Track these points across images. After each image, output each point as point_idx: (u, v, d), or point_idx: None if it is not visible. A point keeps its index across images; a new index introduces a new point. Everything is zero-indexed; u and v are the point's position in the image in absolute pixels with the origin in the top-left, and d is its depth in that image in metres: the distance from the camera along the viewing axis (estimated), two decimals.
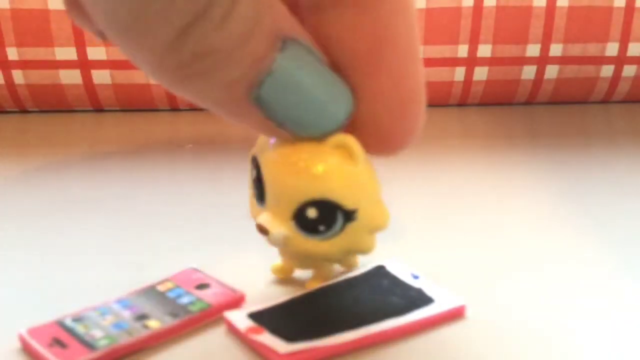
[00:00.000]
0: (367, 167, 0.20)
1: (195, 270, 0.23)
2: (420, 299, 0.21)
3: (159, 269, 0.23)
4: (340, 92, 0.19)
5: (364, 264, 0.23)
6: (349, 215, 0.20)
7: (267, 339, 0.19)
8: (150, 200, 0.32)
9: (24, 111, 0.46)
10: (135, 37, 0.16)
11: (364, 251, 0.21)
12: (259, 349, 0.19)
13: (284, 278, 0.23)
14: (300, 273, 0.24)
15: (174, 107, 0.46)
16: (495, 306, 0.22)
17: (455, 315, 0.21)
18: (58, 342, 0.19)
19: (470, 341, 0.20)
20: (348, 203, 0.20)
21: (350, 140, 0.19)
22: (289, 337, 0.19)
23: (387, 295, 0.21)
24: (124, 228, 0.28)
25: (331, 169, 0.20)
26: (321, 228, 0.20)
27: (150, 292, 0.22)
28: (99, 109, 0.45)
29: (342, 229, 0.20)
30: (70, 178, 0.36)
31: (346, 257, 0.22)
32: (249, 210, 0.22)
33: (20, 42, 0.42)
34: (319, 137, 0.19)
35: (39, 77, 0.43)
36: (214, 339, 0.20)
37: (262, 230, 0.20)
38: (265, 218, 0.20)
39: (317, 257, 0.21)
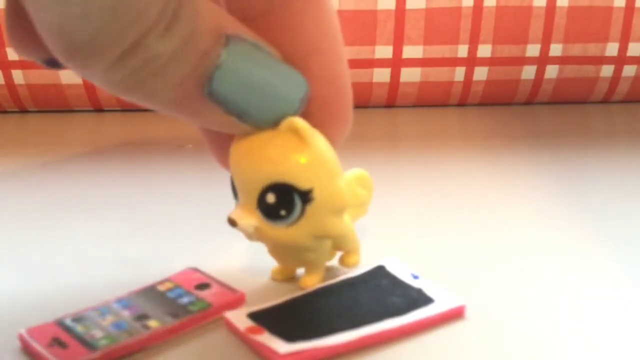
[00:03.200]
0: (320, 147, 0.21)
1: (195, 270, 0.23)
2: (420, 299, 0.21)
3: (159, 269, 0.23)
4: (292, 78, 0.20)
5: (364, 264, 0.23)
6: (306, 196, 0.20)
7: (267, 339, 0.19)
8: (150, 200, 0.32)
9: (24, 111, 0.46)
10: (87, 56, 0.17)
11: (331, 233, 0.21)
12: (258, 349, 0.19)
13: (284, 280, 0.23)
14: (300, 273, 0.24)
15: None
16: (495, 306, 0.22)
17: (455, 315, 0.21)
18: (58, 342, 0.19)
19: (470, 341, 0.20)
20: (302, 184, 0.20)
21: (298, 122, 0.20)
22: (289, 337, 0.19)
23: (386, 295, 0.21)
24: (124, 228, 0.28)
25: (281, 151, 0.20)
26: (282, 213, 0.20)
27: (150, 292, 0.22)
28: (99, 109, 0.45)
29: (302, 211, 0.21)
30: (70, 178, 0.36)
31: (319, 243, 0.22)
32: None
33: None
34: (277, 125, 0.20)
35: (39, 77, 0.43)
36: (214, 339, 0.20)
37: (232, 222, 0.21)
38: (234, 211, 0.21)
39: (289, 245, 0.21)
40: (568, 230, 0.27)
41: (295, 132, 0.20)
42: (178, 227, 0.29)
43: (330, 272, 0.23)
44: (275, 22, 0.20)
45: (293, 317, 0.20)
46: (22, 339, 0.20)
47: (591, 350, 0.20)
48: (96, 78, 0.17)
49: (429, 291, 0.22)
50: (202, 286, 0.22)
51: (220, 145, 0.23)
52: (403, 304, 0.21)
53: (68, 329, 0.20)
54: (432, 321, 0.21)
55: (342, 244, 0.23)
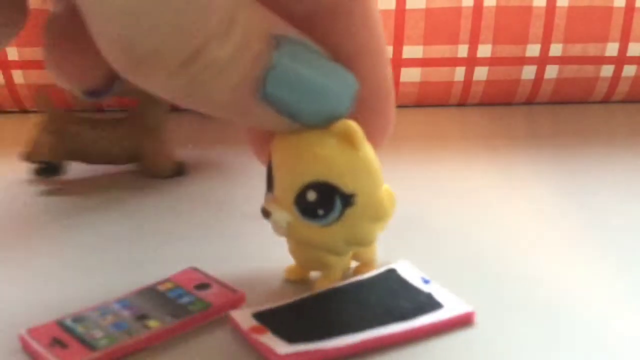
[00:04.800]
0: (368, 154, 0.21)
1: (195, 270, 0.23)
2: (429, 304, 0.21)
3: (159, 269, 0.23)
4: (343, 78, 0.20)
5: (374, 267, 0.23)
6: (348, 200, 0.20)
7: (269, 339, 0.19)
8: (150, 200, 0.32)
9: (24, 111, 0.46)
10: (151, 67, 0.17)
11: (364, 242, 0.22)
12: (259, 349, 0.19)
13: (297, 280, 0.23)
14: (313, 275, 0.24)
15: (174, 107, 0.46)
16: (502, 311, 0.22)
17: (463, 321, 0.21)
18: (58, 342, 0.19)
19: (479, 348, 0.20)
20: (347, 187, 0.20)
21: (352, 125, 0.20)
22: (291, 338, 0.19)
23: (395, 299, 0.21)
24: (124, 228, 0.28)
25: (331, 151, 0.20)
26: (320, 212, 0.20)
27: (150, 292, 0.22)
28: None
29: (341, 214, 0.20)
30: (70, 178, 0.36)
31: (348, 249, 0.22)
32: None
33: (20, 42, 0.42)
34: (327, 125, 0.20)
35: (39, 77, 0.43)
36: (214, 339, 0.20)
37: (266, 213, 0.21)
38: (269, 203, 0.21)
39: (317, 246, 0.21)
40: (568, 231, 0.27)
41: (348, 135, 0.20)
42: (178, 227, 0.29)
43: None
44: (322, 23, 0.20)
45: (298, 318, 0.20)
46: (22, 339, 0.20)
47: (599, 354, 0.20)
48: (156, 86, 0.18)
49: (438, 296, 0.21)
50: (202, 286, 0.22)
51: (260, 138, 0.23)
52: (410, 308, 0.21)
53: (68, 329, 0.20)
54: (439, 327, 0.20)
55: (362, 254, 0.23)
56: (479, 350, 0.20)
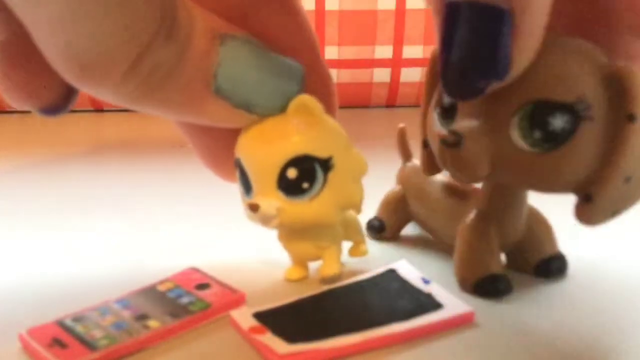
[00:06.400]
0: (329, 120, 0.22)
1: (195, 270, 0.23)
2: (429, 304, 0.21)
3: (159, 269, 0.23)
4: (288, 64, 0.21)
5: (375, 267, 0.23)
6: (326, 165, 0.21)
7: (268, 339, 0.19)
8: (150, 200, 0.32)
9: (24, 111, 0.46)
10: (99, 74, 0.17)
11: (353, 200, 0.22)
12: (259, 349, 0.19)
13: (298, 280, 0.23)
14: (312, 274, 0.24)
15: None
16: (502, 311, 0.22)
17: (463, 321, 0.21)
18: (58, 342, 0.19)
19: (479, 348, 0.20)
20: (321, 152, 0.21)
21: (307, 97, 0.21)
22: (291, 338, 0.19)
23: (395, 299, 0.21)
24: (124, 228, 0.29)
25: (297, 126, 0.21)
26: (305, 185, 0.21)
27: (150, 292, 0.22)
28: (99, 109, 0.45)
29: (324, 181, 0.21)
30: (70, 178, 0.36)
31: (340, 214, 0.22)
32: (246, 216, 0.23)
33: None
34: (282, 111, 0.21)
35: None
36: (214, 339, 0.20)
37: (253, 207, 0.21)
38: (253, 197, 0.21)
39: (311, 220, 0.22)
40: (566, 231, 0.27)
41: (307, 106, 0.21)
42: (178, 227, 0.29)
43: (340, 274, 0.23)
44: (258, 17, 0.21)
45: (298, 318, 0.20)
46: (22, 339, 0.20)
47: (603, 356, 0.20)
48: (109, 93, 0.18)
49: (438, 296, 0.21)
50: (202, 286, 0.22)
51: (218, 156, 0.23)
52: (411, 308, 0.21)
53: (68, 329, 0.20)
54: (439, 327, 0.20)
55: (352, 233, 0.24)
56: (479, 350, 0.20)
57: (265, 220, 0.22)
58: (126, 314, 0.21)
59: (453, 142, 0.19)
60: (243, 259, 0.25)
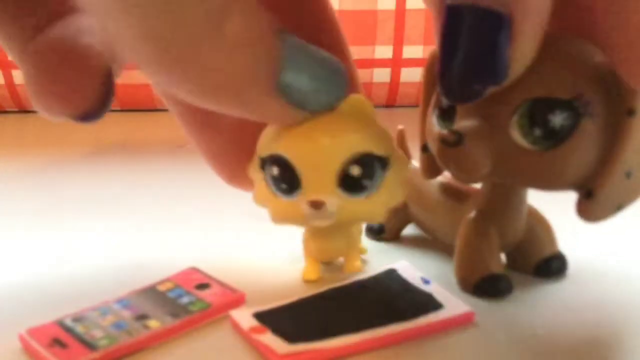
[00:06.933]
0: (377, 119, 0.22)
1: (195, 270, 0.23)
2: (429, 304, 0.21)
3: (159, 269, 0.23)
4: (338, 65, 0.21)
5: (375, 267, 0.23)
6: (384, 163, 0.21)
7: (269, 339, 0.19)
8: (151, 200, 0.32)
9: (24, 111, 0.46)
10: (181, 61, 0.17)
11: (398, 199, 0.22)
12: (259, 349, 0.19)
13: (315, 280, 0.23)
14: (301, 271, 0.24)
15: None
16: (502, 311, 0.22)
17: (463, 321, 0.21)
18: (58, 342, 0.19)
19: (478, 348, 0.20)
20: (380, 150, 0.21)
21: (360, 96, 0.21)
22: (291, 337, 0.19)
23: (395, 299, 0.21)
24: (123, 228, 0.29)
25: (358, 124, 0.21)
26: (365, 183, 0.21)
27: (150, 292, 0.22)
28: None
29: (381, 180, 0.21)
30: (70, 178, 0.36)
31: (385, 213, 0.22)
32: (271, 215, 0.22)
33: None
34: (331, 109, 0.21)
35: None
36: (214, 339, 0.20)
37: (317, 204, 0.21)
38: (316, 194, 0.21)
39: (365, 219, 0.22)
40: (566, 231, 0.27)
41: (360, 106, 0.21)
42: (178, 227, 0.29)
43: (340, 274, 0.23)
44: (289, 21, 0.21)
45: (298, 318, 0.20)
46: (22, 339, 0.20)
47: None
48: (185, 85, 0.18)
49: (439, 296, 0.21)
50: (202, 286, 0.22)
51: (230, 161, 0.23)
52: (410, 308, 0.21)
53: (68, 329, 0.20)
54: (439, 327, 0.20)
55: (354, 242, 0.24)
56: (479, 350, 0.20)
57: (325, 218, 0.21)
58: (126, 314, 0.21)
59: (454, 142, 0.19)
60: (243, 259, 0.25)
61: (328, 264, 0.24)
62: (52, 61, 0.19)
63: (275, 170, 0.21)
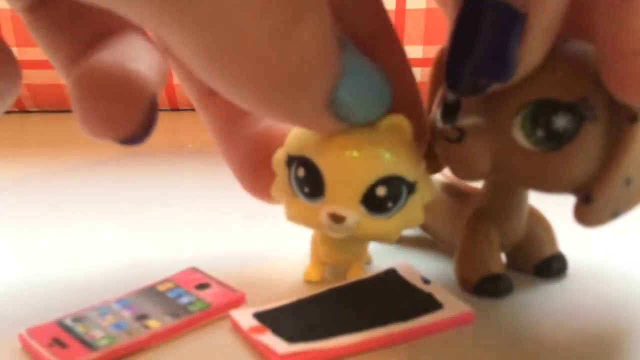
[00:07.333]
0: (413, 142, 0.21)
1: (195, 270, 0.23)
2: (429, 304, 0.21)
3: (159, 269, 0.23)
4: (384, 79, 0.20)
5: (375, 267, 0.23)
6: (411, 188, 0.21)
7: (269, 339, 0.19)
8: (150, 200, 0.32)
9: (24, 111, 0.46)
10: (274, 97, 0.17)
11: (417, 223, 0.22)
12: (259, 349, 0.19)
13: (317, 281, 0.23)
14: (302, 271, 0.24)
15: (174, 107, 0.46)
16: (502, 311, 0.22)
17: (463, 321, 0.21)
18: (58, 342, 0.19)
19: (478, 348, 0.20)
20: (410, 176, 0.21)
21: (402, 119, 0.21)
22: (291, 337, 0.19)
23: (395, 299, 0.21)
24: (123, 228, 0.28)
25: (394, 146, 0.21)
26: (389, 205, 0.21)
27: (150, 292, 0.22)
28: None
29: (404, 203, 0.21)
30: (70, 178, 0.36)
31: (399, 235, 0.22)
32: (285, 211, 0.22)
33: (20, 42, 0.42)
34: (372, 122, 0.20)
35: (39, 77, 0.43)
36: (214, 339, 0.20)
37: (337, 218, 0.21)
38: (337, 208, 0.21)
39: (381, 239, 0.22)
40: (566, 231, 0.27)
41: (401, 127, 0.21)
42: (178, 227, 0.29)
43: (340, 274, 0.23)
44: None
45: (298, 318, 0.20)
46: (22, 339, 0.20)
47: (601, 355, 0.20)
48: (242, 82, 0.17)
49: (439, 296, 0.21)
50: (202, 286, 0.22)
51: (254, 168, 0.23)
52: (410, 308, 0.21)
53: (68, 329, 0.20)
54: (438, 327, 0.20)
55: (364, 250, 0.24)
56: (479, 350, 0.20)
57: (341, 232, 0.21)
58: (126, 314, 0.21)
59: (455, 138, 0.19)
60: (243, 259, 0.25)
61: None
62: (97, 86, 0.19)
63: (301, 172, 0.21)
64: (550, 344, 0.20)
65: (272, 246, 0.26)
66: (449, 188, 0.25)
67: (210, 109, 0.24)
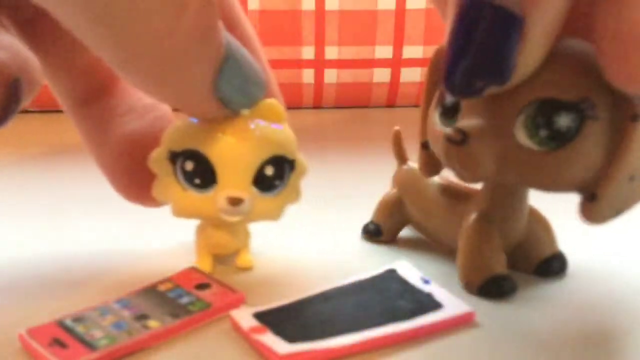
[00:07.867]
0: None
1: (195, 270, 0.23)
2: (428, 304, 0.21)
3: (159, 269, 0.23)
4: (257, 67, 0.22)
5: (375, 267, 0.23)
6: (292, 165, 0.23)
7: (269, 339, 0.19)
8: None
9: (24, 111, 0.46)
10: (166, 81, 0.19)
11: (299, 198, 0.24)
12: (259, 349, 0.19)
13: (211, 271, 0.24)
14: (306, 272, 0.24)
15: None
16: (502, 311, 0.22)
17: (463, 321, 0.21)
18: (58, 342, 0.19)
19: (478, 348, 0.20)
20: (290, 154, 0.23)
21: (276, 101, 0.23)
22: (291, 338, 0.19)
23: (395, 299, 0.21)
24: (123, 228, 0.28)
25: (269, 128, 0.22)
26: (277, 182, 0.23)
27: (150, 292, 0.22)
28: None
29: (288, 181, 0.23)
30: (69, 178, 0.36)
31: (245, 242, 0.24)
32: (173, 207, 0.23)
33: None
34: (249, 108, 0.22)
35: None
36: (214, 339, 0.20)
37: (236, 201, 0.22)
38: (232, 191, 0.22)
39: (270, 217, 0.23)
40: (566, 231, 0.27)
41: (276, 110, 0.23)
42: (178, 226, 0.29)
43: (340, 274, 0.23)
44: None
45: (298, 318, 0.20)
46: (22, 339, 0.20)
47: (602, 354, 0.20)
48: (134, 62, 0.19)
49: (438, 296, 0.21)
50: (202, 286, 0.22)
51: (132, 178, 0.24)
52: (410, 308, 0.21)
53: (68, 329, 0.20)
54: (438, 327, 0.20)
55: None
56: (479, 350, 0.20)
57: (240, 214, 0.22)
58: (126, 314, 0.21)
59: (458, 140, 0.19)
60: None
61: (220, 258, 0.25)
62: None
63: (189, 165, 0.22)
64: (550, 343, 0.20)
65: (271, 246, 0.26)
66: (445, 189, 0.25)
67: (82, 118, 0.25)
